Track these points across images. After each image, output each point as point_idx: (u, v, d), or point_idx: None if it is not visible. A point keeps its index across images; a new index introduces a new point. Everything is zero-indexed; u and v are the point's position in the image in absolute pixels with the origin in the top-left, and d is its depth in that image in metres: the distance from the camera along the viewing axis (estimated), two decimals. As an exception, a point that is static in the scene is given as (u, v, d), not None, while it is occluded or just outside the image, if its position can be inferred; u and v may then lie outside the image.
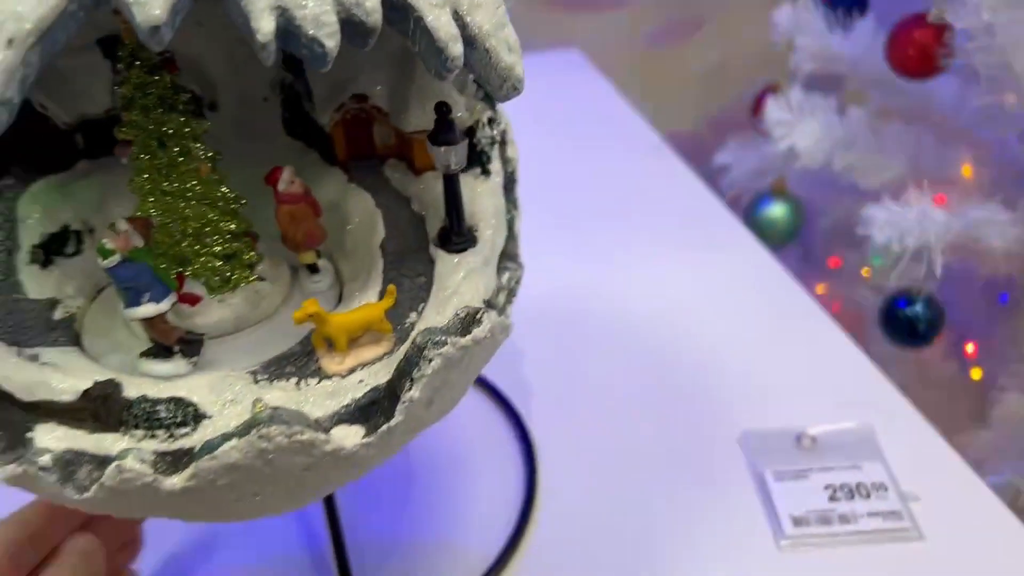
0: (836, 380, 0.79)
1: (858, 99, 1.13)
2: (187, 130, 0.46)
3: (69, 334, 0.50)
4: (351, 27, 0.37)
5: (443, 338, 0.44)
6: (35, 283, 0.52)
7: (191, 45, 0.57)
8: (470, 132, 0.54)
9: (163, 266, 0.47)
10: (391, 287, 0.47)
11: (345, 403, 0.44)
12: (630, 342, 0.85)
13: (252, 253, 0.50)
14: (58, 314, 0.51)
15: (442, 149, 0.48)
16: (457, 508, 0.69)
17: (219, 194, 0.48)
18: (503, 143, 0.59)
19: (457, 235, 0.51)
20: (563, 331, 0.86)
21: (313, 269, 0.52)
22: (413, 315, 0.49)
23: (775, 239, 1.20)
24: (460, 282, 0.50)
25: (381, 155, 0.57)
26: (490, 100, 0.55)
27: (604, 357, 0.83)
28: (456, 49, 0.40)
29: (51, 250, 0.53)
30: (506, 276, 0.55)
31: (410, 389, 0.44)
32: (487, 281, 0.51)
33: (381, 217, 0.54)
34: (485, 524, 0.68)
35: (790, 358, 0.82)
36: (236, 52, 0.58)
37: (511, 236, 0.58)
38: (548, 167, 1.09)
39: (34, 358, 0.46)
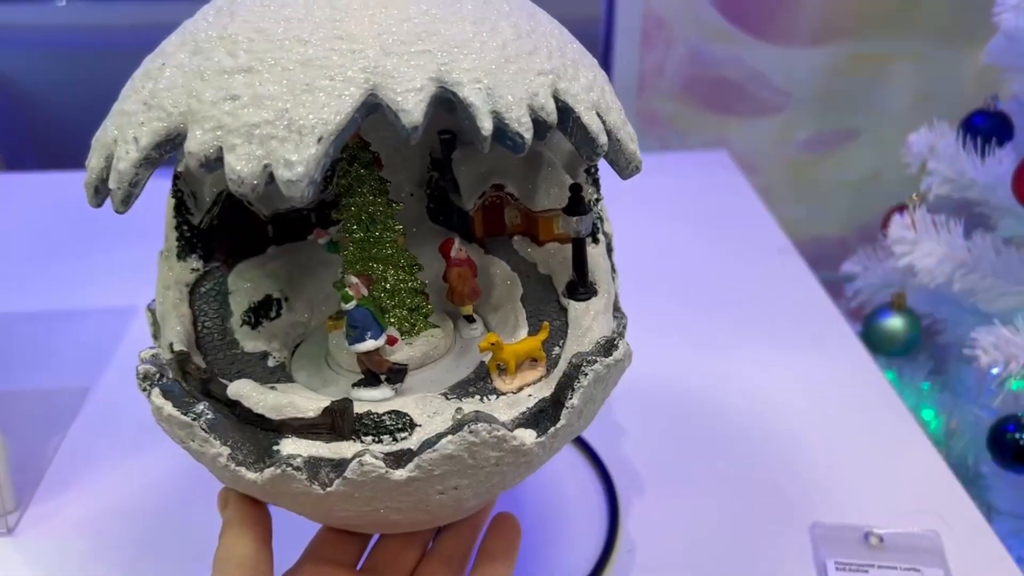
0: (914, 485, 0.83)
1: (986, 223, 1.14)
2: (389, 210, 0.60)
3: (285, 376, 0.63)
4: (537, 125, 0.52)
5: (593, 358, 0.57)
6: (249, 341, 0.65)
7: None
8: (585, 209, 0.69)
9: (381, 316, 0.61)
10: (545, 324, 0.61)
11: (521, 411, 0.57)
12: (722, 424, 0.93)
13: (429, 306, 0.63)
14: (271, 362, 0.64)
15: (575, 219, 0.63)
16: (539, 552, 0.79)
17: (405, 260, 0.62)
18: (603, 220, 0.74)
19: (583, 287, 0.65)
20: (659, 405, 0.95)
21: (470, 319, 0.66)
22: (557, 348, 0.62)
23: (893, 349, 1.23)
24: (591, 322, 0.63)
25: (509, 233, 0.72)
26: (595, 183, 0.70)
27: (694, 435, 0.91)
28: (603, 139, 0.55)
29: (259, 315, 0.67)
30: (617, 322, 0.69)
31: (571, 397, 0.57)
32: (608, 323, 0.65)
33: (518, 278, 0.68)
34: (563, 571, 0.77)
35: (873, 458, 0.86)
36: (392, 157, 0.73)
37: (615, 291, 0.72)
38: (676, 255, 1.20)
39: (273, 389, 0.58)
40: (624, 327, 0.69)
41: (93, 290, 1.13)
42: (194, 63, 0.52)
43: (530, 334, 0.63)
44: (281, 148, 0.47)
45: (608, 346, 0.60)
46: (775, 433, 0.92)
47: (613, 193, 1.35)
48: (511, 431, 0.55)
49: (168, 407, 0.55)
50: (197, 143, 0.49)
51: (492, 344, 0.57)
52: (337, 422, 0.55)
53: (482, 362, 0.62)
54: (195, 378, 0.59)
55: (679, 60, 1.71)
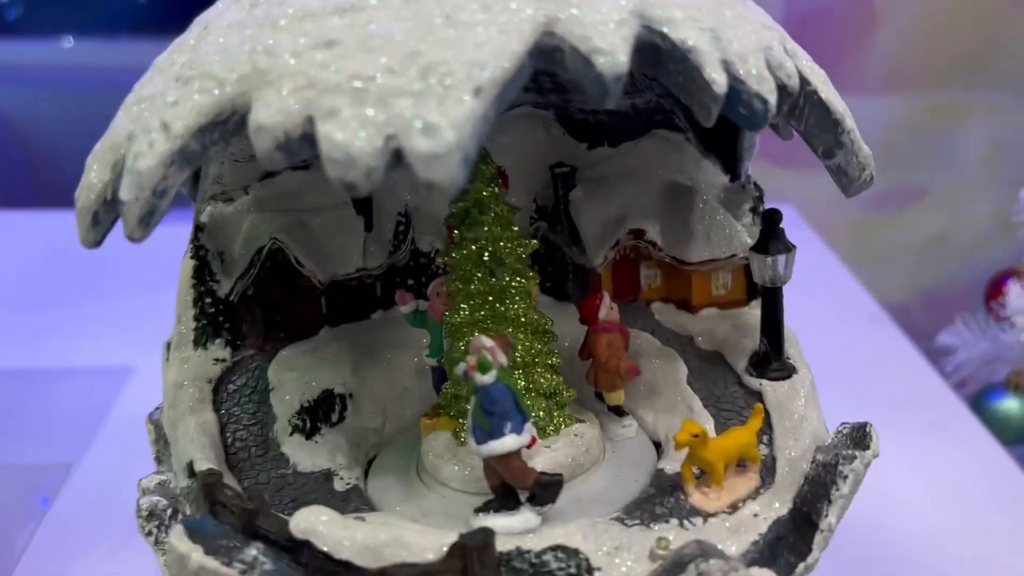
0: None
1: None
2: (520, 247, 0.41)
3: (363, 502, 0.42)
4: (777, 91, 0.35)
5: (850, 452, 0.38)
6: (303, 455, 0.45)
7: (434, 203, 0.54)
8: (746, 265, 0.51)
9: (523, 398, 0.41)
10: (758, 406, 0.41)
11: (752, 539, 0.37)
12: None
13: (570, 391, 0.44)
14: (339, 485, 0.43)
15: (769, 259, 0.44)
16: None
17: (544, 323, 0.42)
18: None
19: (777, 360, 0.46)
20: None
21: (619, 412, 0.46)
22: (762, 447, 0.43)
23: (1006, 436, 1.09)
24: (804, 409, 0.44)
25: (645, 298, 0.53)
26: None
27: None
28: (848, 122, 0.38)
29: (315, 418, 0.46)
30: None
31: (827, 515, 0.37)
32: (819, 408, 0.46)
33: (677, 355, 0.49)
34: None
35: (1011, 563, 0.73)
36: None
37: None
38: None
39: (360, 520, 0.38)
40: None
41: (82, 346, 0.97)
42: (258, 14, 0.34)
43: (718, 429, 0.44)
44: (416, 107, 0.29)
45: (859, 434, 0.40)
46: (897, 534, 0.71)
47: None
48: (746, 568, 0.34)
49: (199, 555, 0.34)
50: (272, 113, 0.31)
51: (695, 437, 0.38)
52: (472, 567, 0.34)
53: (660, 471, 0.42)
54: (235, 510, 0.38)
55: None
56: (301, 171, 0.50)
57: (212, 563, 0.34)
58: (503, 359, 0.37)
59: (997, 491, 0.78)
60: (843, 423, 0.42)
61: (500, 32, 0.31)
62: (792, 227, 1.44)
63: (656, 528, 0.38)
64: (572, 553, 0.35)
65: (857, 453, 0.38)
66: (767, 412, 0.44)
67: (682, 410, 0.46)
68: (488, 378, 0.36)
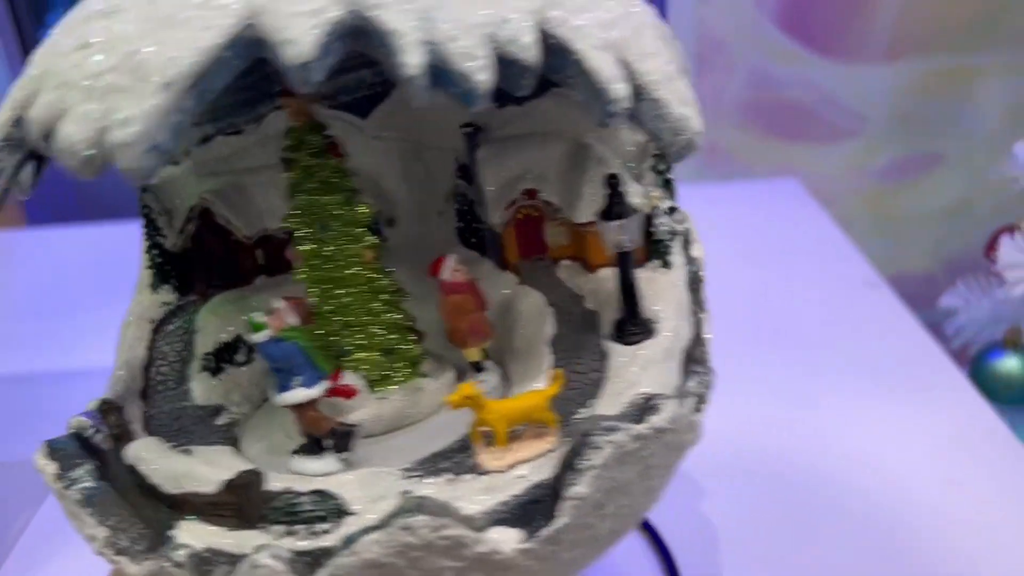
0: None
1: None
2: (350, 213, 0.44)
3: (226, 437, 0.48)
4: (506, 65, 0.35)
5: (613, 424, 0.38)
6: (203, 389, 0.51)
7: (368, 160, 0.57)
8: (647, 221, 0.50)
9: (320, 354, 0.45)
10: (558, 371, 0.42)
11: (502, 499, 0.38)
12: (816, 495, 0.72)
13: (415, 348, 0.46)
14: (221, 420, 0.49)
15: (613, 224, 0.44)
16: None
17: (382, 284, 0.45)
18: (687, 241, 0.54)
19: (633, 324, 0.46)
20: (734, 473, 0.75)
21: (478, 368, 0.48)
22: (583, 411, 0.43)
23: (1005, 397, 1.05)
24: (638, 374, 0.43)
25: (553, 257, 0.54)
26: (667, 186, 0.51)
27: (782, 510, 0.71)
28: (620, 90, 0.37)
29: (222, 358, 0.53)
30: (694, 381, 0.49)
31: (575, 482, 0.37)
32: (668, 377, 0.45)
33: (552, 315, 0.50)
34: None
35: (1004, 531, 0.66)
36: (412, 168, 0.58)
37: (698, 339, 0.52)
38: (747, 296, 1.01)
39: (186, 452, 0.44)
40: (707, 389, 0.48)
41: (87, 349, 1.05)
42: (69, 15, 0.40)
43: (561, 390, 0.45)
44: (121, 101, 0.33)
45: (646, 407, 0.40)
46: (885, 504, 0.70)
47: None
48: (479, 530, 0.36)
49: (52, 468, 0.42)
50: (38, 108, 0.36)
51: (467, 398, 0.39)
52: (243, 502, 0.39)
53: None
54: (109, 435, 0.45)
55: (739, 85, 1.52)
56: (233, 136, 0.56)
57: (55, 479, 0.42)
58: (293, 319, 0.41)
59: (987, 454, 0.76)
60: (641, 392, 0.41)
61: (203, 27, 0.34)
62: (795, 200, 1.33)
63: (429, 481, 0.40)
64: (328, 497, 0.39)
65: (624, 426, 0.38)
66: (607, 376, 0.45)
67: (534, 371, 0.47)
68: (259, 337, 0.40)
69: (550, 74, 0.38)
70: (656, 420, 0.39)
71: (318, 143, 0.44)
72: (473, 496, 0.38)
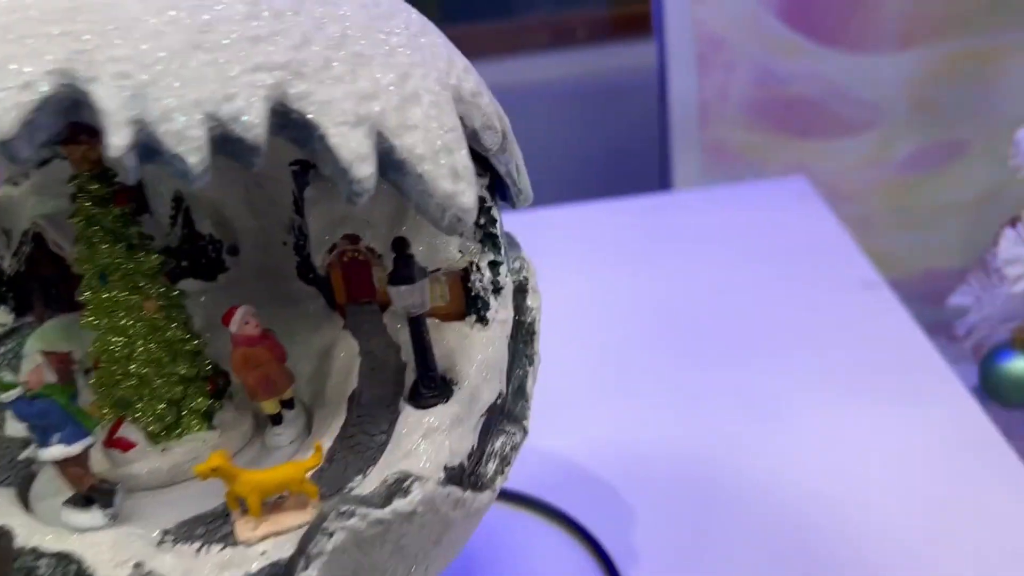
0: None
1: None
2: (133, 263, 0.43)
3: (19, 476, 0.47)
4: (230, 144, 0.34)
5: (351, 508, 0.37)
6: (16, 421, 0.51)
7: (207, 188, 0.56)
8: (464, 276, 0.49)
9: (104, 410, 0.45)
10: (317, 444, 0.41)
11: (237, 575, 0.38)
12: (791, 510, 0.71)
13: (203, 401, 0.46)
14: (26, 453, 0.49)
15: (400, 289, 0.43)
16: None
17: (168, 335, 0.44)
18: (522, 291, 0.53)
19: (427, 387, 0.45)
20: (712, 495, 0.74)
21: (276, 420, 0.47)
22: (359, 479, 0.42)
23: (1015, 399, 1.00)
24: (418, 442, 0.43)
25: (380, 302, 0.53)
26: (491, 241, 0.50)
27: (744, 525, 0.70)
28: (363, 170, 0.36)
29: (42, 388, 0.52)
30: (499, 441, 0.48)
31: (305, 568, 0.37)
32: (458, 443, 0.44)
33: (359, 365, 0.49)
34: None
35: (992, 545, 0.65)
36: (254, 194, 0.57)
37: (520, 396, 0.51)
38: (745, 301, 1.01)
39: (-43, 494, 0.43)
40: (513, 450, 0.48)
41: None
42: None
43: (348, 452, 0.44)
44: None
45: (396, 488, 0.39)
46: (859, 513, 0.68)
47: (667, 231, 1.17)
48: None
49: None
50: None
51: (214, 470, 0.39)
52: (-9, 558, 0.39)
53: (255, 488, 0.43)
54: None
55: (744, 82, 1.45)
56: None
57: None
58: (48, 377, 0.40)
59: (979, 461, 0.74)
60: (398, 471, 0.40)
61: None
62: (800, 198, 1.30)
63: (178, 548, 0.40)
64: (70, 562, 0.39)
65: (359, 510, 0.37)
66: (389, 443, 0.44)
67: (334, 426, 0.46)
68: (7, 397, 0.39)
69: (300, 147, 0.37)
70: (401, 504, 0.38)
71: (101, 191, 0.43)
72: (208, 572, 0.38)
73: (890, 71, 1.45)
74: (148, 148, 0.33)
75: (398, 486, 0.39)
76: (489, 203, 0.49)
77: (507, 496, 0.74)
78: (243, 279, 0.58)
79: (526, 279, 0.53)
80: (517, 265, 0.54)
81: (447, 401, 0.45)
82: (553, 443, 0.80)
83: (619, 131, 1.54)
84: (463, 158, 0.40)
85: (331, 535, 0.36)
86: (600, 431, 0.82)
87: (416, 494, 0.38)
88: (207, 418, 0.46)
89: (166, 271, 0.46)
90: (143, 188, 0.56)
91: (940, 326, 0.97)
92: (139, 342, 0.44)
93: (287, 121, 0.36)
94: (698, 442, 0.79)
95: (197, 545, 0.40)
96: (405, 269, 0.43)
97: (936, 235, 1.55)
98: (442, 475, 0.42)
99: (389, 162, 0.38)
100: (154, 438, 0.45)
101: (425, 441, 0.43)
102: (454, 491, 0.40)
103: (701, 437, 0.80)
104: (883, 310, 0.95)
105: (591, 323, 1.00)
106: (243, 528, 0.40)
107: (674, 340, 0.95)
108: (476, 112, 0.44)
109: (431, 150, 0.38)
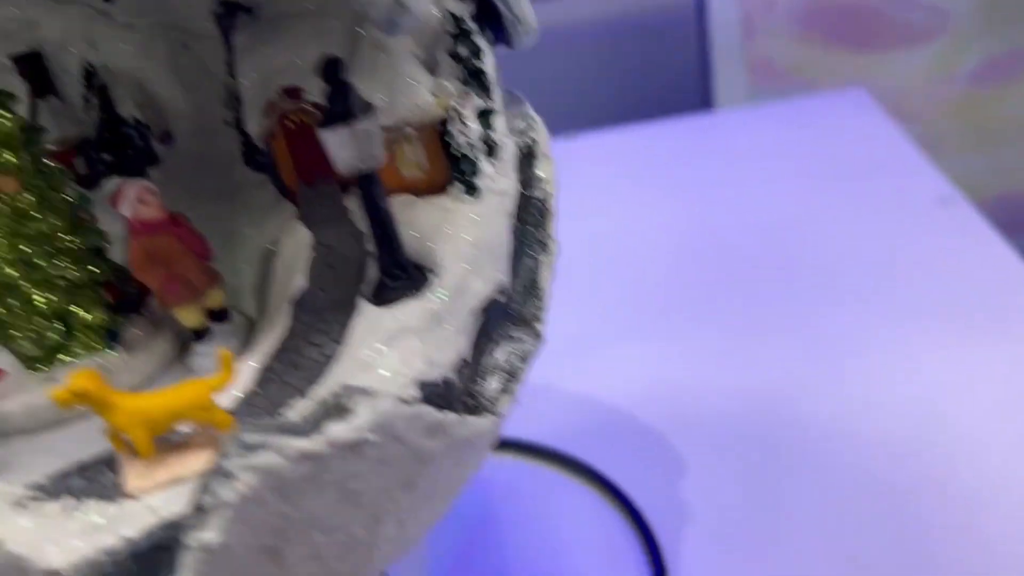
0: None
1: None
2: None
3: None
4: None
5: (262, 439, 0.25)
6: None
7: (125, 57, 0.44)
8: (441, 127, 0.36)
9: None
10: (224, 354, 0.29)
11: (108, 545, 0.26)
12: (860, 465, 0.59)
13: (99, 312, 0.34)
14: None
15: (335, 133, 0.30)
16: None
17: (44, 227, 0.33)
18: (530, 156, 0.40)
19: (394, 277, 0.32)
20: (767, 435, 0.63)
21: (199, 335, 0.35)
22: (297, 403, 0.30)
23: None
24: (379, 349, 0.30)
25: (340, 181, 0.40)
26: (477, 80, 0.37)
27: (807, 483, 0.58)
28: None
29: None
30: (505, 351, 0.35)
31: (201, 528, 0.25)
32: (438, 350, 0.31)
33: (309, 261, 0.36)
34: None
35: None
36: (182, 60, 0.45)
37: (531, 292, 0.38)
38: (808, 223, 0.88)
39: None
40: (523, 362, 0.35)
41: None
42: None
43: (280, 372, 0.32)
44: None
45: (335, 407, 0.27)
46: (947, 469, 0.56)
47: (712, 154, 1.07)
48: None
49: None
50: None
51: (77, 395, 0.27)
52: None
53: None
54: None
55: None
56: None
57: None
58: None
59: None
60: (340, 386, 0.28)
61: None
62: (861, 111, 1.14)
63: (44, 507, 0.28)
64: None
65: (275, 442, 0.25)
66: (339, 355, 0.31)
67: (267, 341, 0.34)
68: None
69: None
70: (338, 431, 0.26)
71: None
72: (68, 540, 0.26)
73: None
74: None
75: (336, 406, 0.26)
76: (470, 27, 0.36)
77: (529, 449, 0.62)
78: (180, 172, 0.46)
79: (534, 141, 0.40)
80: (522, 125, 0.41)
81: (418, 293, 0.32)
82: (584, 388, 0.68)
83: (655, 49, 1.39)
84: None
85: (234, 479, 0.24)
86: (638, 375, 0.70)
87: (363, 416, 0.26)
88: (109, 336, 0.34)
89: (49, 145, 0.34)
90: (42, 61, 0.44)
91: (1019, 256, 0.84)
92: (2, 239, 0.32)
93: None
94: (751, 387, 0.67)
95: (70, 502, 0.28)
96: (340, 104, 0.30)
97: (1011, 155, 1.41)
98: (415, 393, 0.30)
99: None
100: (31, 363, 0.33)
101: (388, 347, 0.30)
102: (425, 411, 0.28)
103: (755, 382, 0.67)
104: (964, 228, 0.81)
105: (631, 255, 0.87)
106: (132, 476, 0.28)
107: (723, 273, 0.83)
108: None
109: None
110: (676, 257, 0.86)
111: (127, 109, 0.45)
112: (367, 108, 0.30)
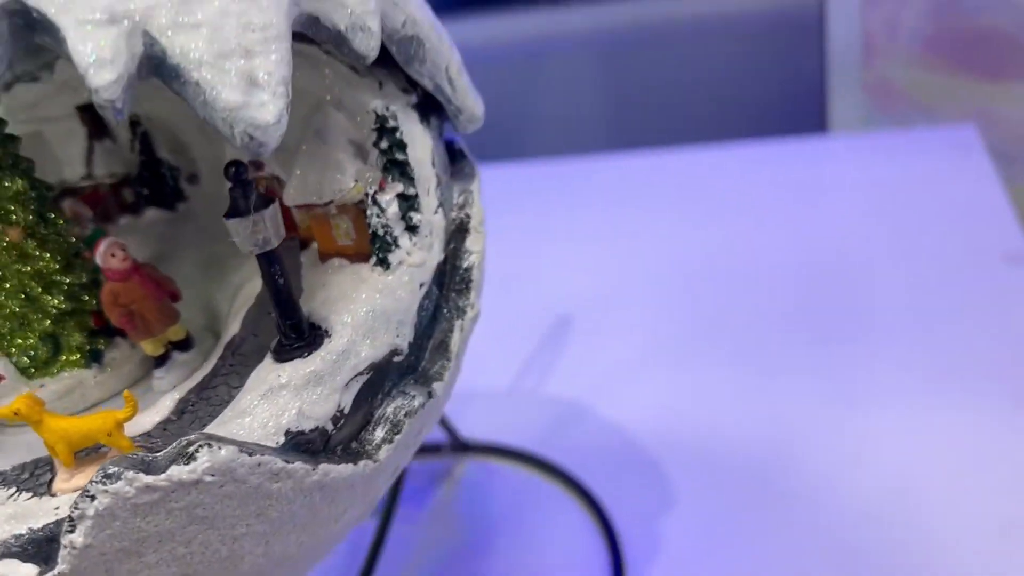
0: None
1: None
2: (-10, 192, 0.41)
3: None
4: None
5: (118, 470, 0.32)
6: None
7: (162, 107, 0.53)
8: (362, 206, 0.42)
9: None
10: (127, 394, 0.37)
11: (18, 532, 0.35)
12: (839, 513, 0.60)
13: (81, 336, 0.43)
14: None
15: (233, 223, 0.37)
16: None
17: (39, 266, 0.42)
18: (462, 231, 0.45)
19: (287, 339, 0.39)
20: (746, 477, 0.65)
21: (158, 362, 0.44)
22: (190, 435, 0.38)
23: None
24: (255, 402, 0.37)
25: (302, 237, 0.47)
26: (399, 168, 0.42)
27: (794, 525, 0.60)
28: (100, 78, 0.30)
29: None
30: (395, 405, 0.41)
31: (71, 531, 0.33)
32: (314, 404, 0.38)
33: (248, 308, 0.44)
34: None
35: None
36: (204, 118, 0.53)
37: (441, 354, 0.44)
38: (854, 267, 0.86)
39: None
40: (407, 416, 0.41)
41: None
42: None
43: (203, 411, 0.40)
44: None
45: (183, 451, 0.34)
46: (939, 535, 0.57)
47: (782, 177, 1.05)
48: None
49: None
50: None
51: (16, 412, 0.36)
52: None
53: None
54: None
55: (918, 10, 1.21)
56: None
57: None
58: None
59: None
60: (195, 435, 0.35)
61: None
62: (964, 150, 1.06)
63: (2, 491, 0.37)
64: None
65: (127, 474, 0.32)
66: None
67: (200, 375, 0.42)
68: None
69: (54, 49, 0.32)
70: (178, 471, 0.33)
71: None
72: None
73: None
74: None
75: (184, 451, 0.33)
76: (393, 124, 0.42)
77: (532, 461, 0.68)
78: (201, 209, 0.55)
79: (468, 217, 0.45)
80: (461, 199, 0.46)
81: (309, 354, 0.39)
82: (606, 413, 0.72)
83: (776, 68, 1.36)
84: (271, 64, 0.33)
85: (93, 499, 0.32)
86: (654, 403, 0.72)
87: (202, 461, 0.33)
88: (90, 355, 0.43)
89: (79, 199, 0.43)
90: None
91: None
92: (5, 272, 0.42)
93: (30, 21, 0.31)
94: (758, 424, 0.68)
95: (10, 492, 0.37)
96: (242, 199, 0.37)
97: None
98: (281, 440, 0.37)
99: (164, 67, 0.32)
100: (25, 372, 0.43)
101: (264, 401, 0.37)
102: (268, 461, 0.35)
103: (763, 419, 0.68)
104: (1018, 288, 0.77)
105: (667, 280, 0.89)
106: (60, 478, 0.37)
107: (764, 305, 0.83)
108: (338, 10, 0.36)
109: (215, 53, 0.32)
110: (716, 283, 0.87)
111: (163, 153, 0.54)
112: (264, 203, 0.37)
